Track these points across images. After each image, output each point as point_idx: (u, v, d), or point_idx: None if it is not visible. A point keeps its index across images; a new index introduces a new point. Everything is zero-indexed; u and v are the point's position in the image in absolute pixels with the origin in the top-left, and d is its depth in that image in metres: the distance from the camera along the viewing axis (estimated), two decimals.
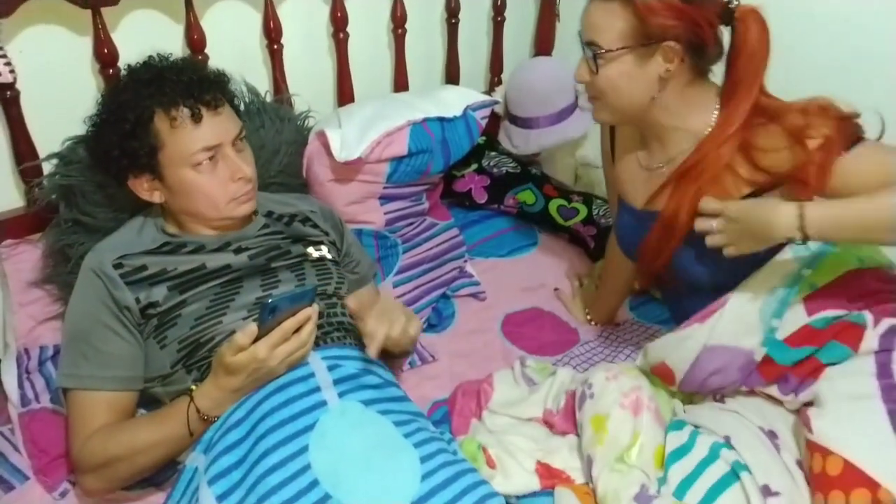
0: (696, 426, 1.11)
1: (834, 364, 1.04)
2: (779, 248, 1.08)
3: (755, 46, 1.04)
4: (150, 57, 1.13)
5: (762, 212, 1.01)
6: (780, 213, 0.98)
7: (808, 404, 1.05)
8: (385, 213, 1.57)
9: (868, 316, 1.04)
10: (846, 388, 1.01)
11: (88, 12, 1.25)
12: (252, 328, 0.92)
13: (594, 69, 1.07)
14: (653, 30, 1.01)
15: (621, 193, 1.30)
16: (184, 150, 1.06)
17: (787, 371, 1.07)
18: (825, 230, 0.97)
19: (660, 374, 1.17)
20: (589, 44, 1.06)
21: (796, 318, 1.07)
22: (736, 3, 1.05)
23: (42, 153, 1.29)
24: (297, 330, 0.97)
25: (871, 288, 1.08)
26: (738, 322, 1.08)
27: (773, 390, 1.10)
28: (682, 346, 1.12)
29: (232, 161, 1.10)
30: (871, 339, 1.02)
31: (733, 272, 1.10)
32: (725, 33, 1.07)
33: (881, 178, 0.97)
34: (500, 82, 1.96)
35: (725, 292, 1.10)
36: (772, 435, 1.06)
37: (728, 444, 1.05)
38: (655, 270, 1.22)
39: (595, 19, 1.06)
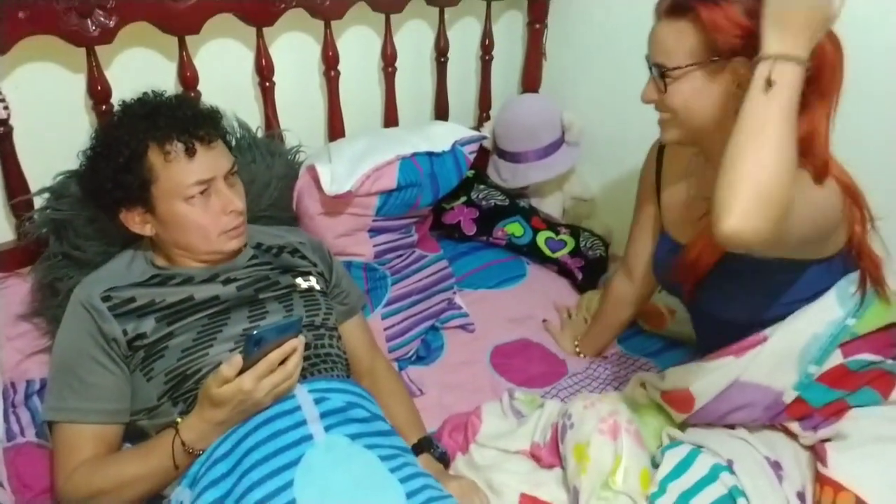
0: (700, 446, 1.10)
1: (861, 407, 1.06)
2: (819, 285, 1.08)
3: (834, 63, 0.99)
4: (144, 93, 1.15)
5: None
6: None
7: (826, 439, 1.06)
8: (374, 246, 1.58)
9: None
10: (870, 429, 1.02)
11: (83, 50, 1.27)
12: (237, 359, 0.92)
13: (663, 88, 1.06)
14: (721, 46, 1.00)
15: (665, 224, 1.30)
16: (177, 183, 1.07)
17: (815, 411, 1.08)
18: None
19: (674, 401, 1.16)
20: (657, 64, 1.06)
21: (832, 357, 1.07)
22: None
23: (34, 188, 1.30)
24: (284, 361, 0.96)
25: None
26: (776, 362, 1.08)
27: (794, 426, 1.10)
28: (711, 375, 1.11)
29: (224, 195, 1.11)
30: None
31: (767, 310, 1.09)
32: None
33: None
34: (488, 118, 2.00)
35: (758, 327, 1.09)
36: (776, 466, 1.06)
37: (730, 467, 1.04)
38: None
39: (663, 38, 1.05)
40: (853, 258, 1.13)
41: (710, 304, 1.18)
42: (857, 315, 1.08)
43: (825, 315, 1.08)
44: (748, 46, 0.99)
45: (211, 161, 1.10)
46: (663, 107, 1.09)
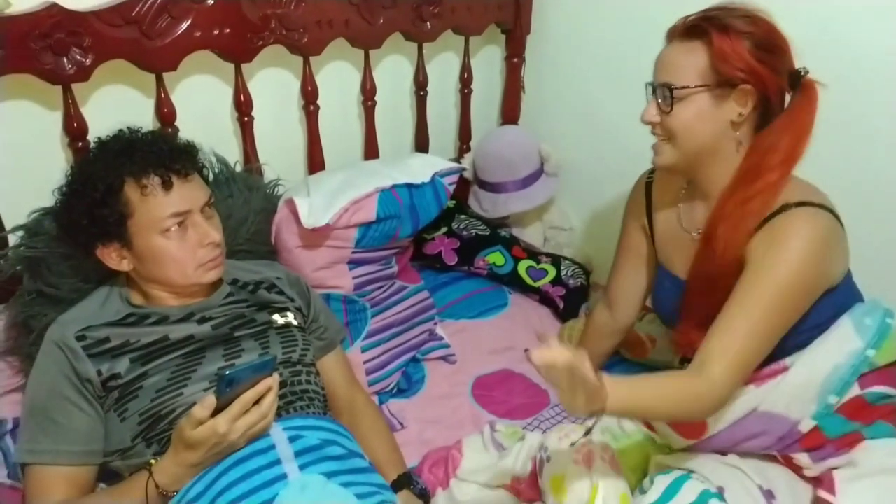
0: (690, 471, 1.09)
1: (875, 439, 1.06)
2: (831, 311, 1.09)
3: (809, 118, 1.05)
4: (120, 130, 1.16)
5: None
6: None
7: (833, 467, 1.06)
8: (354, 278, 1.58)
9: None
10: (879, 461, 1.02)
11: (59, 88, 1.27)
12: (210, 400, 0.91)
13: (667, 109, 1.07)
14: (724, 74, 1.03)
15: (662, 260, 1.30)
16: (154, 216, 1.07)
17: (829, 442, 1.07)
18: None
19: (683, 426, 1.15)
20: (663, 85, 1.07)
21: (851, 389, 1.07)
22: (805, 70, 1.07)
23: (8, 225, 1.29)
24: (258, 401, 0.96)
25: None
26: (795, 393, 1.07)
27: (803, 457, 1.09)
28: (728, 403, 1.08)
29: (201, 227, 1.11)
30: None
31: (782, 339, 1.08)
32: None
33: None
34: (468, 149, 2.02)
35: (775, 356, 1.08)
36: (769, 495, 1.06)
37: (720, 495, 1.03)
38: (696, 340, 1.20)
39: (674, 58, 1.08)
40: (857, 288, 1.15)
41: None
42: (876, 346, 1.08)
43: (845, 346, 1.07)
44: (749, 82, 1.03)
45: (187, 193, 1.10)
46: (663, 128, 1.10)
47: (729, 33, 1.02)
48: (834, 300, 1.09)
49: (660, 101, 1.09)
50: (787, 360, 1.09)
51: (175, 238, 1.09)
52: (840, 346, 1.08)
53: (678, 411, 1.03)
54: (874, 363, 1.07)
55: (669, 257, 1.28)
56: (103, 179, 1.07)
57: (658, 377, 1.05)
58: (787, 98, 1.09)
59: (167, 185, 1.07)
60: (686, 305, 1.21)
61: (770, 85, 1.04)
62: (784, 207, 1.04)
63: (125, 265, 1.12)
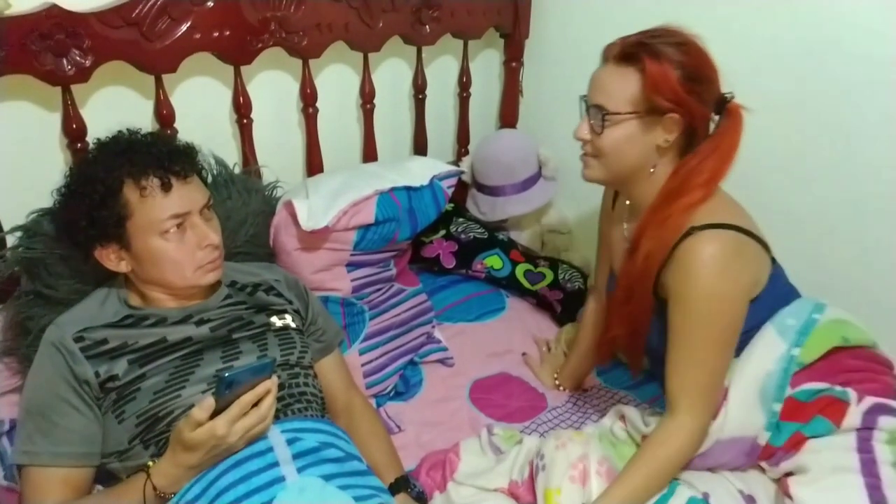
0: (676, 478, 1.11)
1: (817, 437, 1.07)
2: (750, 325, 1.11)
3: (733, 141, 1.10)
4: (119, 131, 1.16)
5: None
6: None
7: (789, 473, 1.08)
8: (352, 280, 1.58)
9: (852, 393, 1.08)
10: (828, 461, 1.04)
11: (58, 89, 1.27)
12: (209, 402, 0.91)
13: (598, 130, 1.12)
14: (654, 102, 1.07)
15: (612, 264, 1.34)
16: (153, 218, 1.07)
17: (777, 449, 1.10)
18: None
19: None
20: (597, 106, 1.11)
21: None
22: (731, 95, 1.12)
23: (6, 226, 1.29)
24: (257, 403, 0.96)
25: (855, 365, 1.12)
26: (743, 412, 1.10)
27: (763, 464, 1.13)
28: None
29: (200, 229, 1.11)
30: (854, 416, 1.06)
31: None
32: None
33: None
34: (466, 153, 2.02)
35: None
36: (750, 499, 1.08)
37: (706, 500, 1.06)
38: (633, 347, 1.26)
39: (608, 82, 1.11)
40: (785, 291, 1.18)
41: (651, 341, 1.22)
42: (800, 343, 1.11)
43: (771, 352, 1.11)
44: (677, 112, 1.07)
45: (186, 195, 1.10)
46: (592, 147, 1.15)
47: (661, 62, 1.06)
48: (756, 309, 1.12)
49: (592, 121, 1.13)
50: (727, 386, 1.11)
51: (174, 240, 1.09)
52: (766, 352, 1.11)
53: (670, 468, 1.09)
54: (802, 361, 1.10)
55: (615, 262, 1.32)
56: (102, 181, 1.07)
57: (633, 460, 1.10)
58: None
59: (166, 187, 1.07)
60: (610, 309, 1.30)
61: (696, 114, 1.09)
62: (689, 231, 1.08)
63: (123, 266, 1.12)
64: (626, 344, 1.29)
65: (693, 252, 1.07)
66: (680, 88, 1.06)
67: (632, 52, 1.08)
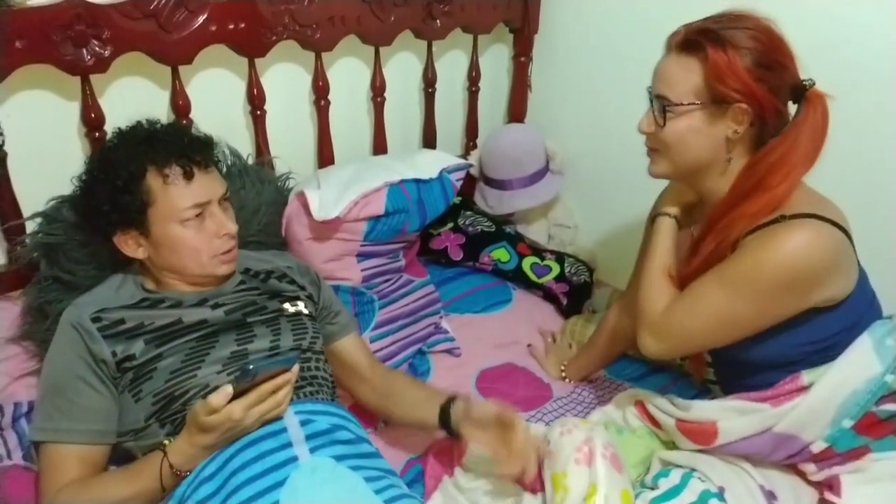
0: (693, 469, 1.09)
1: (881, 452, 1.06)
2: (836, 326, 1.07)
3: (815, 131, 1.03)
4: (138, 122, 1.18)
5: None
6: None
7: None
8: (362, 270, 1.60)
9: None
10: (889, 468, 1.02)
11: (77, 78, 1.30)
12: (227, 390, 0.93)
13: (661, 122, 1.07)
14: (719, 92, 1.02)
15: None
16: (174, 206, 1.10)
17: (837, 455, 1.07)
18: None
19: (693, 431, 1.14)
20: (659, 97, 1.07)
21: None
22: (811, 82, 1.04)
23: (26, 213, 1.32)
24: (274, 391, 0.98)
25: None
26: (812, 417, 1.06)
27: (808, 465, 1.09)
28: (744, 417, 1.09)
29: (218, 218, 1.14)
30: None
31: (786, 351, 1.08)
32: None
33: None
34: (475, 146, 2.04)
35: (783, 368, 1.08)
36: (770, 495, 1.06)
37: (721, 495, 1.04)
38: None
39: (669, 73, 1.06)
40: (871, 295, 1.12)
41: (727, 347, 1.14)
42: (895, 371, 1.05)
43: (864, 371, 1.05)
44: (745, 101, 1.01)
45: (207, 185, 1.13)
46: (657, 140, 1.10)
47: (726, 49, 0.99)
48: (839, 317, 1.06)
49: (655, 113, 1.09)
50: (805, 378, 1.07)
51: (192, 228, 1.11)
52: (860, 371, 1.05)
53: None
54: (893, 388, 1.05)
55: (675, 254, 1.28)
56: (126, 167, 1.09)
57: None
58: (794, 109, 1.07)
59: (188, 176, 1.10)
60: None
61: (766, 104, 1.02)
62: (780, 218, 1.02)
63: (141, 253, 1.14)
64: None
65: (785, 232, 0.99)
66: (746, 76, 0.99)
67: (694, 39, 1.03)
